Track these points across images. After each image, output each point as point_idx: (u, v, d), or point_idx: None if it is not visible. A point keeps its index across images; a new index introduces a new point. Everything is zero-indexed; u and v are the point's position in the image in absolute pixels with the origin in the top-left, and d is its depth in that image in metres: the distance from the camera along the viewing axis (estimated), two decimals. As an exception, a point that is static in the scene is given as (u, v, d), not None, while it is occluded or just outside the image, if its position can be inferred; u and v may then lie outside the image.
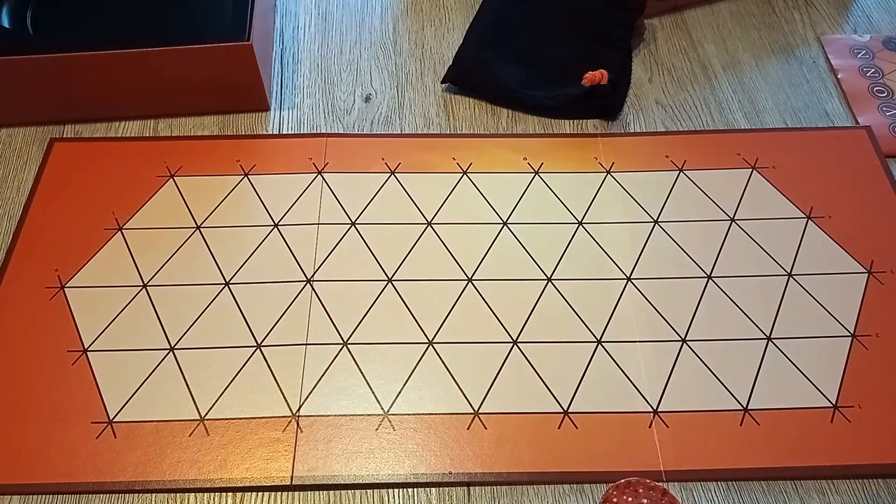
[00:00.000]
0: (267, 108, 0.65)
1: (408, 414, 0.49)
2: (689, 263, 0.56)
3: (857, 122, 0.65)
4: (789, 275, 0.55)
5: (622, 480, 0.45)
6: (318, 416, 0.48)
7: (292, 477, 0.46)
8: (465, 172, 0.61)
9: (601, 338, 0.52)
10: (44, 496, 0.46)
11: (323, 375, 0.50)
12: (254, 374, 0.50)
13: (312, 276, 0.55)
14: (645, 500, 0.44)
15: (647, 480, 0.45)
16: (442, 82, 0.67)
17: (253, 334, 0.52)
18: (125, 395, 0.49)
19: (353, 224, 0.58)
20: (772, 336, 0.52)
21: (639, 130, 0.64)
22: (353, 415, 0.49)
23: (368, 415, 0.49)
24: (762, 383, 0.50)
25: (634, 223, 0.58)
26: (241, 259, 0.56)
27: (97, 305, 0.53)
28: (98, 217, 0.58)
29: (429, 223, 0.58)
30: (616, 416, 0.49)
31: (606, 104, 0.65)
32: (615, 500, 0.44)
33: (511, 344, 0.52)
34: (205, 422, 0.48)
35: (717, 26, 0.73)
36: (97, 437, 0.47)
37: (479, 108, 0.66)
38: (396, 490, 0.46)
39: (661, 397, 0.49)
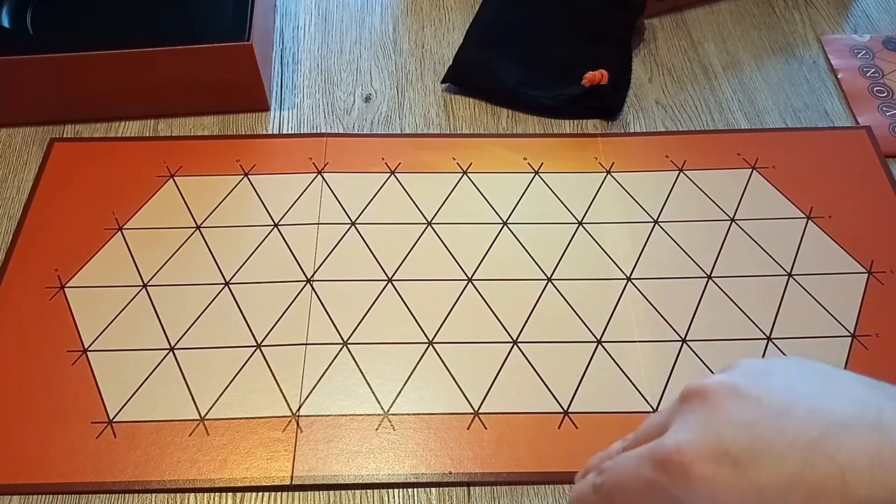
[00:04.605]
0: (267, 108, 0.65)
1: (408, 414, 0.49)
2: (689, 263, 0.56)
3: (857, 122, 0.65)
4: (789, 275, 0.55)
5: None
6: (318, 416, 0.48)
7: (292, 477, 0.46)
8: (465, 172, 0.61)
9: (601, 338, 0.52)
10: (44, 496, 0.46)
11: (323, 375, 0.50)
12: (254, 374, 0.50)
13: (312, 275, 0.55)
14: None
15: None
16: (442, 82, 0.67)
17: (253, 334, 0.52)
18: (125, 395, 0.49)
19: (353, 224, 0.58)
20: (772, 336, 0.52)
21: (639, 130, 0.64)
22: (353, 415, 0.49)
23: (368, 415, 0.49)
24: (762, 383, 0.50)
25: (634, 223, 0.58)
26: (241, 259, 0.56)
27: (97, 305, 0.53)
28: (98, 217, 0.58)
29: (429, 223, 0.58)
30: (616, 416, 0.49)
31: (606, 104, 0.65)
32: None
33: (511, 344, 0.52)
34: (205, 422, 0.48)
35: (717, 26, 0.73)
36: (97, 437, 0.47)
37: (479, 108, 0.66)
38: (396, 490, 0.46)
39: (661, 397, 0.49)
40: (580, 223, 0.58)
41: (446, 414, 0.49)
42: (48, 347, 0.51)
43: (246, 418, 0.48)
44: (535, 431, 0.48)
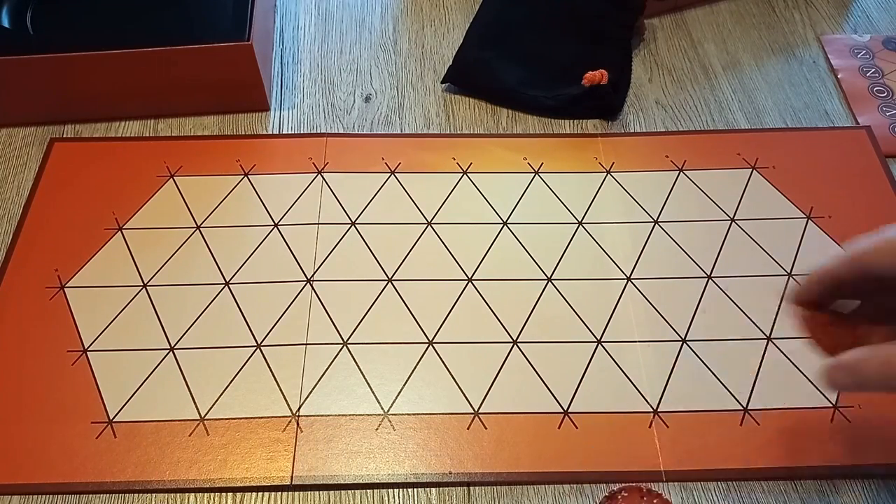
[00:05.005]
0: (267, 108, 0.65)
1: (408, 414, 0.49)
2: (689, 263, 0.56)
3: (857, 122, 0.65)
4: (789, 275, 0.55)
5: (616, 490, 0.45)
6: (318, 416, 0.48)
7: (292, 477, 0.46)
8: (465, 172, 0.61)
9: (601, 338, 0.52)
10: (44, 496, 0.46)
11: (323, 375, 0.50)
12: (254, 374, 0.50)
13: (312, 275, 0.55)
14: None
15: (641, 486, 0.45)
16: (442, 82, 0.67)
17: (253, 334, 0.52)
18: (125, 395, 0.49)
19: (353, 224, 0.58)
20: (772, 336, 0.52)
21: (639, 130, 0.64)
22: (353, 415, 0.49)
23: (368, 415, 0.49)
24: (762, 383, 0.50)
25: (634, 223, 0.58)
26: (241, 259, 0.56)
27: (97, 305, 0.53)
28: (98, 217, 0.58)
29: (429, 223, 0.58)
30: (616, 416, 0.49)
31: (606, 104, 0.65)
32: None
33: (511, 344, 0.52)
34: (205, 422, 0.48)
35: (717, 26, 0.73)
36: (97, 437, 0.47)
37: (479, 108, 0.66)
38: (396, 490, 0.46)
39: (661, 397, 0.49)
40: (580, 223, 0.58)
41: (446, 414, 0.49)
42: (48, 347, 0.51)
43: (246, 418, 0.48)
44: (535, 431, 0.48)
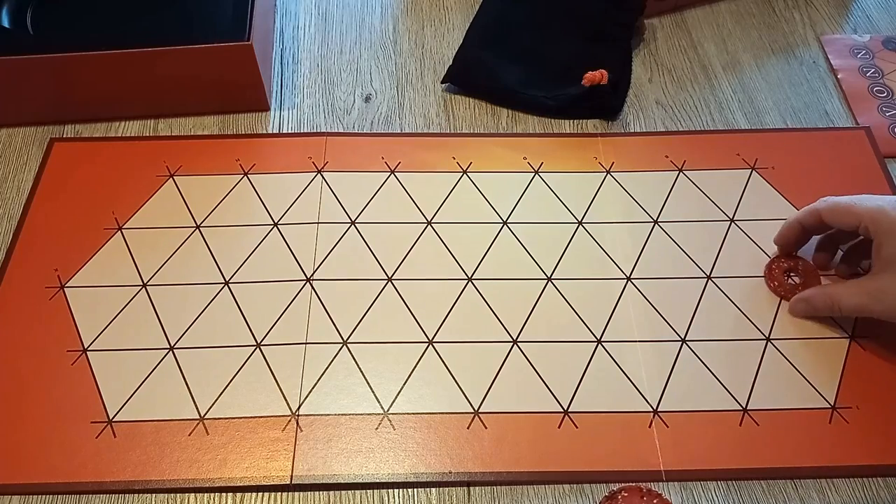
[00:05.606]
0: (267, 108, 0.65)
1: (408, 413, 0.49)
2: (689, 263, 0.56)
3: (857, 123, 0.65)
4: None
5: (616, 490, 0.45)
6: (317, 415, 0.48)
7: (292, 476, 0.46)
8: (465, 172, 0.61)
9: (601, 338, 0.52)
10: (44, 496, 0.46)
11: (323, 375, 0.50)
12: (253, 374, 0.50)
13: (312, 275, 0.55)
14: None
15: (641, 486, 0.45)
16: (442, 82, 0.67)
17: (252, 334, 0.52)
18: (125, 394, 0.49)
19: (353, 223, 0.58)
20: (771, 337, 0.52)
21: (639, 130, 0.64)
22: (353, 414, 0.49)
23: (368, 414, 0.49)
24: (761, 384, 0.50)
25: (634, 223, 0.58)
26: (241, 258, 0.56)
27: (97, 305, 0.53)
28: (98, 217, 0.58)
29: (429, 223, 0.58)
30: (616, 416, 0.49)
31: (606, 104, 0.65)
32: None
33: (511, 344, 0.52)
34: (204, 421, 0.48)
35: (717, 26, 0.73)
36: (97, 437, 0.47)
37: (479, 108, 0.66)
38: (396, 490, 0.46)
39: (660, 397, 0.49)
40: (580, 223, 0.58)
41: (446, 413, 0.49)
42: (48, 347, 0.51)
43: (245, 418, 0.48)
44: (535, 431, 0.48)
